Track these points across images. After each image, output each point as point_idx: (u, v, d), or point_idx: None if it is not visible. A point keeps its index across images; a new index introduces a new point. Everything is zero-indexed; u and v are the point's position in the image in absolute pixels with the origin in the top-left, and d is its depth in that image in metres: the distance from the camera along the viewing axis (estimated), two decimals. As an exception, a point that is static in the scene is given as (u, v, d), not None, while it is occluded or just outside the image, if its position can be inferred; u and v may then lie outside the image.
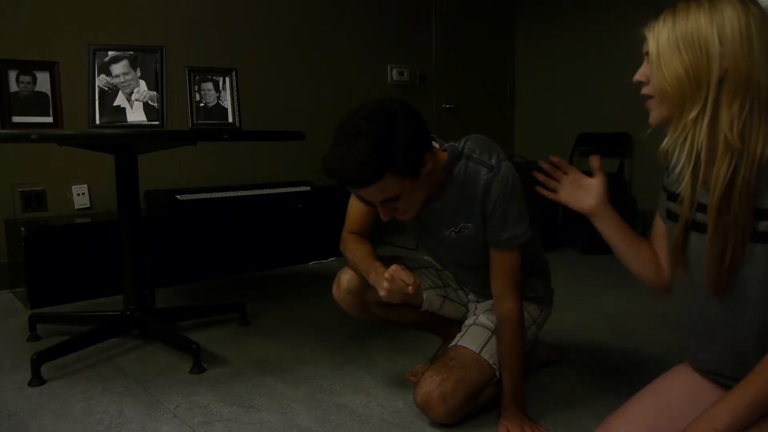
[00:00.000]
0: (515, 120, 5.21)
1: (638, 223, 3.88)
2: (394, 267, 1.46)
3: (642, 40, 1.07)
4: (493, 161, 1.50)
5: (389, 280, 1.44)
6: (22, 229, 2.62)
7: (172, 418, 1.63)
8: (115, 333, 2.17)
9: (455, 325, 1.80)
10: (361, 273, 1.59)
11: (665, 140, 1.03)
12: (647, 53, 1.05)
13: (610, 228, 1.31)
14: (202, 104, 2.19)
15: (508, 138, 5.16)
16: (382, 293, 1.46)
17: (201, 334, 2.24)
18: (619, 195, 4.04)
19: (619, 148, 4.36)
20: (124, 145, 2.11)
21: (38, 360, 1.84)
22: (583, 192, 1.34)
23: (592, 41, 4.52)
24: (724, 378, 1.12)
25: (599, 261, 3.54)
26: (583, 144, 4.57)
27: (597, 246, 3.68)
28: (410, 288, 1.43)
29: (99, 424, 1.60)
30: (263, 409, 1.69)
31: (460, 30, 4.77)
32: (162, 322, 2.23)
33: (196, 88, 2.18)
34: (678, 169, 1.06)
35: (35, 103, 1.95)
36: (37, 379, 1.84)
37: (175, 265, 3.01)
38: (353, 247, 1.65)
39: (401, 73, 4.37)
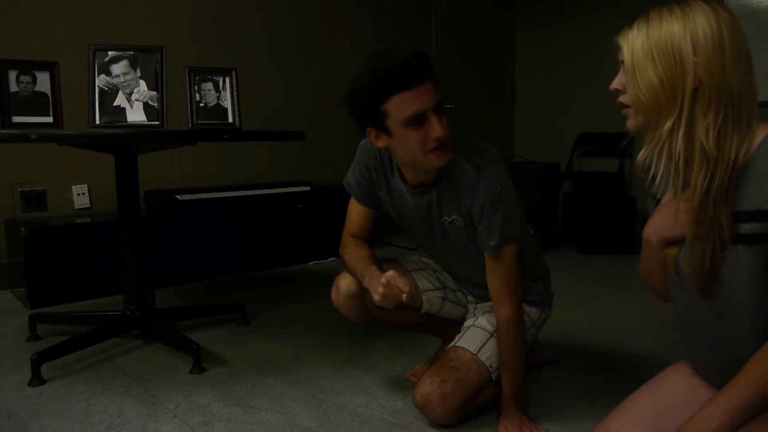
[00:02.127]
0: (515, 120, 5.21)
1: (638, 223, 3.88)
2: (391, 273, 1.46)
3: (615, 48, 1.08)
4: (478, 161, 1.49)
5: (385, 285, 1.44)
6: (22, 229, 2.62)
7: (172, 418, 1.63)
8: (115, 333, 2.17)
9: (455, 325, 1.80)
10: (357, 275, 1.59)
11: (642, 151, 1.04)
12: (623, 62, 1.05)
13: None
14: (202, 104, 2.19)
15: (508, 138, 5.16)
16: (376, 298, 1.47)
17: (201, 334, 2.24)
18: (619, 195, 4.04)
19: (619, 148, 4.36)
20: (124, 145, 2.11)
21: (38, 360, 1.85)
22: None
23: (592, 41, 4.51)
24: (721, 380, 1.12)
25: (599, 261, 3.54)
26: (583, 144, 4.57)
27: (596, 246, 3.72)
28: (405, 296, 1.43)
29: (99, 424, 1.60)
30: (263, 409, 1.69)
31: (460, 30, 4.77)
32: (162, 322, 2.22)
33: (196, 88, 2.18)
34: (659, 178, 1.07)
35: (35, 103, 1.95)
36: (37, 379, 1.84)
37: (175, 265, 3.01)
38: (351, 250, 1.65)
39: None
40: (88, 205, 3.14)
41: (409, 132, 1.40)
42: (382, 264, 1.66)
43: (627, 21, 1.06)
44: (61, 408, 1.69)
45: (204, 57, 3.25)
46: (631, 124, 1.07)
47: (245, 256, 3.29)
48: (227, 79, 2.24)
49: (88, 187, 3.14)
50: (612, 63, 1.09)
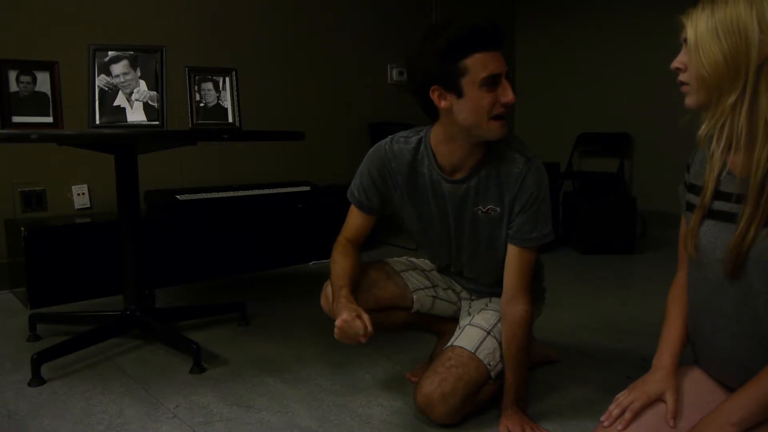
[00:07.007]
0: (515, 120, 5.21)
1: (638, 223, 3.89)
2: (345, 316, 1.44)
3: (671, 29, 1.09)
4: (528, 154, 1.53)
5: (339, 327, 1.44)
6: (22, 229, 2.62)
7: (172, 418, 1.63)
8: (115, 333, 2.17)
9: (447, 322, 1.81)
10: (332, 292, 1.60)
11: (703, 126, 1.05)
12: (685, 40, 1.06)
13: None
14: (202, 104, 2.19)
15: (508, 138, 5.16)
16: (335, 331, 1.47)
17: (201, 334, 2.24)
18: (619, 195, 4.04)
19: (619, 148, 4.36)
20: (124, 145, 2.11)
21: (38, 360, 1.85)
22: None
23: (592, 41, 4.52)
24: (740, 373, 1.12)
25: (599, 261, 3.54)
26: (583, 144, 4.57)
27: (597, 246, 3.72)
28: (362, 338, 1.44)
29: (99, 424, 1.60)
30: (263, 409, 1.69)
31: (460, 30, 4.76)
32: (162, 322, 2.22)
33: (196, 88, 2.18)
34: (709, 154, 1.08)
35: (35, 103, 1.95)
36: (37, 379, 1.84)
37: (175, 265, 3.01)
38: (338, 259, 1.67)
39: (401, 73, 4.35)
40: (88, 205, 3.14)
41: (482, 93, 1.42)
42: (369, 268, 1.69)
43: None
44: (61, 408, 1.69)
45: (204, 57, 3.25)
46: (690, 101, 1.08)
47: (245, 256, 3.29)
48: (227, 79, 2.24)
49: (88, 187, 3.14)
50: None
